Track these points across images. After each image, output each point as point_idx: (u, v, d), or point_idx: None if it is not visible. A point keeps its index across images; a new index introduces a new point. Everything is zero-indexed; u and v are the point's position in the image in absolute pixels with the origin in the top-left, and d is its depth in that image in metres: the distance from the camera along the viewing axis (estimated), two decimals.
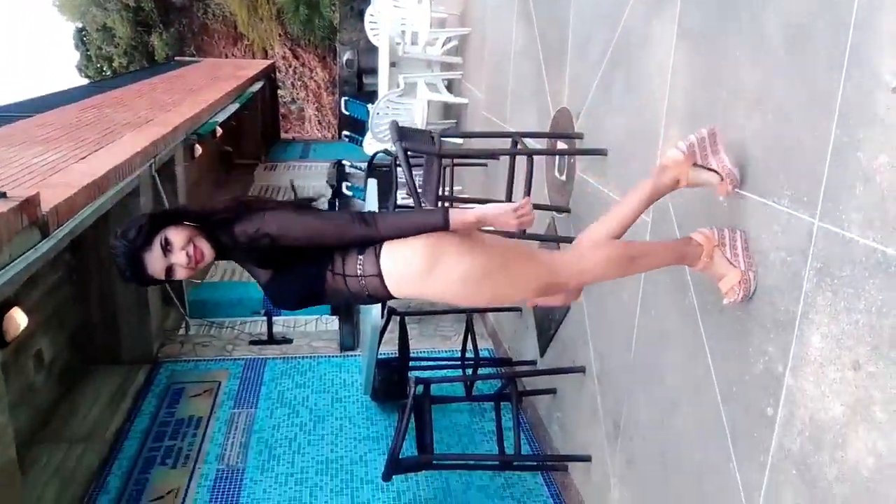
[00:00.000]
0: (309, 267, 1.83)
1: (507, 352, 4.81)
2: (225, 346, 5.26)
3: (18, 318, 3.76)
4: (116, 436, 4.17)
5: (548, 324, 3.84)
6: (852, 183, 1.64)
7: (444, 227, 1.79)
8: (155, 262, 1.77)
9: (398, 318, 4.33)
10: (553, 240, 3.67)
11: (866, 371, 1.60)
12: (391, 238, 1.82)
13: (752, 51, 2.04)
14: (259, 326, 5.59)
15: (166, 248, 1.77)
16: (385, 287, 1.84)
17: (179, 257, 1.77)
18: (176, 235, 1.78)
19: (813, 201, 1.77)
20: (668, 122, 2.54)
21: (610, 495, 3.06)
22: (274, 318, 5.50)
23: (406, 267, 1.82)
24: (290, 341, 5.30)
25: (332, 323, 5.60)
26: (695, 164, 2.06)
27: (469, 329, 4.34)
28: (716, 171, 2.06)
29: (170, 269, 1.79)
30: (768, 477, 1.96)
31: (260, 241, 1.76)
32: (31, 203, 2.96)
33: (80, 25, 20.17)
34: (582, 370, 3.36)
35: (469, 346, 4.31)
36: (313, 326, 5.59)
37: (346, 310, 5.48)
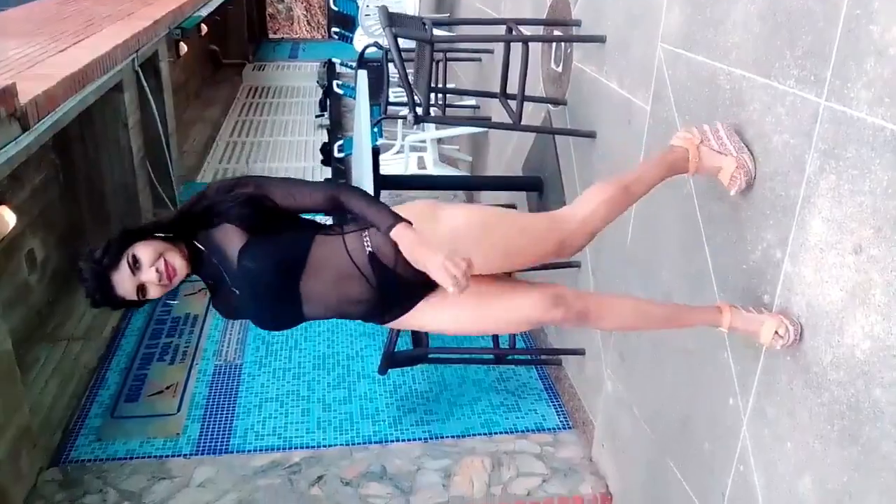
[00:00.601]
0: (294, 232, 1.79)
1: None
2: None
3: (7, 216, 3.71)
4: (113, 334, 4.20)
5: None
6: (863, 58, 1.56)
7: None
8: (124, 282, 1.68)
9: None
10: (548, 132, 3.59)
11: (868, 254, 1.57)
12: (352, 206, 1.73)
13: None
14: None
15: (135, 266, 1.67)
16: (395, 246, 1.71)
17: (149, 275, 1.68)
18: (144, 251, 1.68)
19: (820, 80, 1.70)
20: (668, 4, 2.42)
21: (603, 388, 3.10)
22: None
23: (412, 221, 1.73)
24: None
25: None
26: (707, 148, 1.97)
27: None
28: (731, 155, 1.95)
29: (142, 289, 1.70)
30: (762, 364, 1.97)
31: (240, 199, 1.71)
32: (7, 93, 2.86)
33: None
34: (578, 265, 3.35)
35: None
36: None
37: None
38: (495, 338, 3.49)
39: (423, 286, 1.81)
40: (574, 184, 3.38)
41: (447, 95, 4.64)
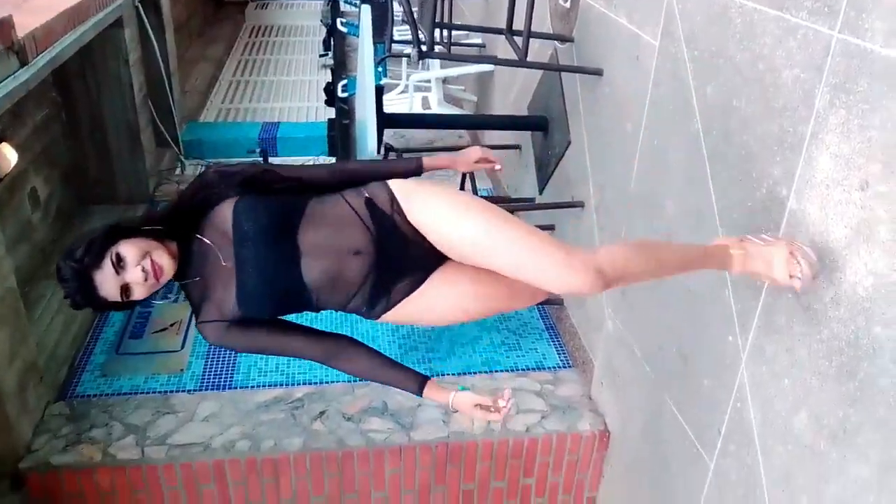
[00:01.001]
0: (290, 194, 1.74)
1: (505, 191, 4.76)
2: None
3: (8, 154, 3.69)
4: None
5: (548, 159, 3.76)
6: None
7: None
8: (107, 281, 1.56)
9: (396, 155, 4.24)
10: (554, 69, 3.52)
11: (874, 190, 1.54)
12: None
13: None
14: None
15: (118, 265, 1.56)
16: (390, 191, 1.74)
17: (134, 274, 1.57)
18: (129, 249, 1.57)
19: (834, 12, 1.65)
20: None
21: (604, 326, 3.11)
22: (270, 159, 5.42)
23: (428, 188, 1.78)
24: None
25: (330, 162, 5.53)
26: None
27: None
28: (780, 241, 1.75)
29: (126, 289, 1.59)
30: (763, 302, 1.96)
31: (244, 177, 1.71)
32: (4, 26, 2.81)
33: None
34: (581, 205, 3.33)
35: (468, 186, 4.25)
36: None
37: (343, 147, 5.38)
38: None
39: (423, 251, 1.76)
40: (580, 124, 3.34)
41: (452, 33, 4.55)
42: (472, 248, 1.71)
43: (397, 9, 5.32)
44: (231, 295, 1.69)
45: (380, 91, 3.70)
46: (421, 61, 3.28)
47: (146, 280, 1.58)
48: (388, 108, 5.09)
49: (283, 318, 1.83)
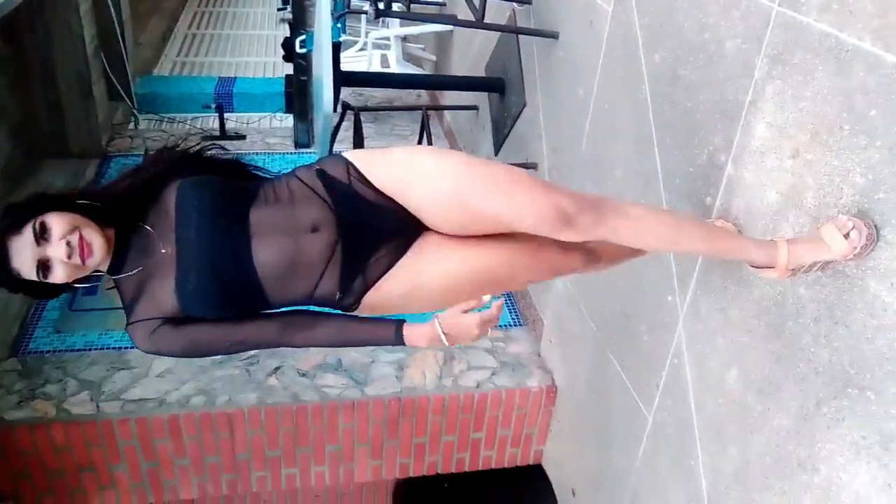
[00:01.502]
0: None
1: (461, 150, 4.80)
2: (176, 141, 5.13)
3: None
4: None
5: (503, 121, 3.80)
6: None
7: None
8: (23, 251, 1.34)
9: (353, 113, 4.23)
10: (510, 30, 3.54)
11: (804, 158, 1.62)
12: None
13: None
14: (211, 122, 5.45)
15: (41, 235, 1.34)
16: (345, 161, 1.52)
17: (58, 249, 1.35)
18: (57, 220, 1.36)
19: None
20: None
21: (554, 285, 3.19)
22: (226, 115, 5.35)
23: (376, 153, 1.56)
24: (243, 137, 5.20)
25: (287, 120, 5.49)
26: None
27: (425, 127, 4.28)
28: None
29: (44, 266, 1.36)
30: (700, 264, 2.05)
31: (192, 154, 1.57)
32: None
33: None
34: (535, 166, 3.38)
35: (425, 143, 4.28)
36: (267, 123, 5.48)
37: (300, 106, 5.34)
38: None
39: (397, 217, 1.51)
40: (535, 87, 3.37)
41: None
42: (449, 191, 1.47)
43: None
44: (169, 285, 1.45)
45: (337, 48, 3.68)
46: (380, 19, 3.26)
47: (69, 257, 1.36)
48: (347, 65, 5.06)
49: None
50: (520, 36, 3.56)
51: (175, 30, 7.95)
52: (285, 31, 7.80)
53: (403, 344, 1.48)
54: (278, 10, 8.68)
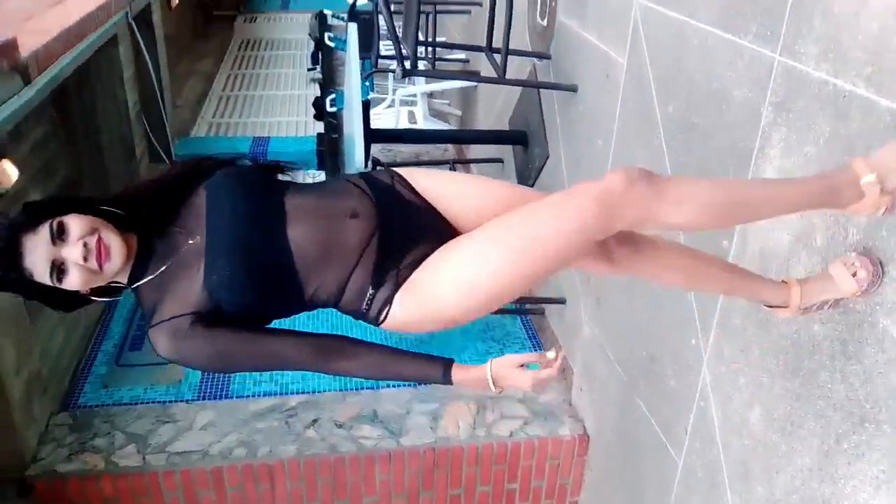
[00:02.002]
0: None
1: None
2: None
3: (10, 170, 3.80)
4: None
5: (528, 172, 3.90)
6: (811, 16, 1.66)
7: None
8: (37, 249, 1.27)
9: (382, 168, 4.38)
10: (530, 85, 3.66)
11: None
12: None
13: None
14: None
15: (58, 235, 1.28)
16: (389, 170, 1.54)
17: (74, 251, 1.28)
18: (76, 221, 1.29)
19: (775, 36, 1.80)
20: None
21: (582, 332, 3.25)
22: None
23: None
24: None
25: (320, 177, 5.66)
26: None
27: None
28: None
29: (59, 268, 1.29)
30: (721, 306, 2.10)
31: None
32: (10, 47, 2.94)
33: None
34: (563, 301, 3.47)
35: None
36: (300, 181, 5.65)
37: (332, 163, 5.53)
38: None
39: (435, 219, 1.49)
40: (557, 139, 3.48)
41: (436, 49, 4.70)
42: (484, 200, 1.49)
43: (383, 24, 5.48)
44: (196, 276, 1.35)
45: (367, 106, 3.84)
46: (407, 78, 3.41)
47: (86, 260, 1.29)
48: (376, 122, 5.23)
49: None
50: (541, 90, 3.68)
51: (210, 92, 8.28)
52: (315, 90, 8.11)
53: (451, 384, 1.41)
54: (308, 70, 9.02)
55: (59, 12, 4.00)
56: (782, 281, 1.63)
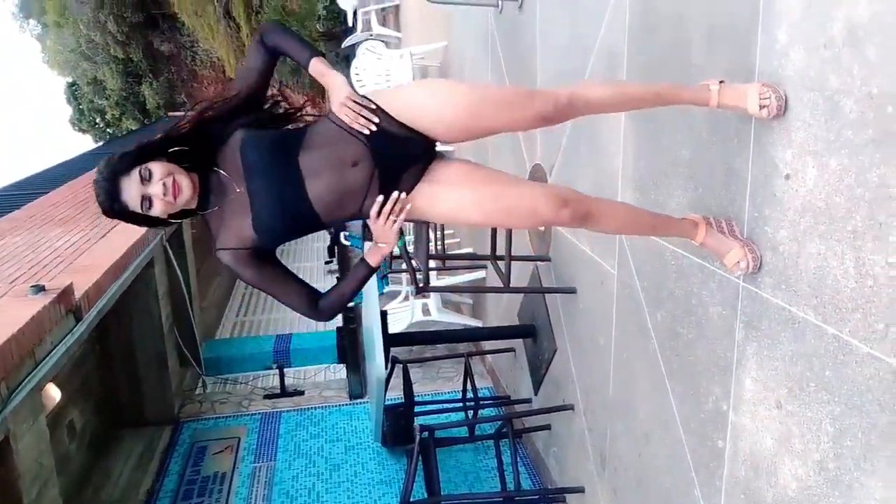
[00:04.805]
0: (290, 130, 1.98)
1: (504, 389, 5.12)
2: (241, 401, 5.58)
3: (53, 392, 4.09)
4: (147, 496, 4.49)
5: (538, 364, 4.16)
6: (763, 250, 1.98)
7: (305, 64, 1.89)
8: (131, 188, 1.77)
9: (401, 365, 4.64)
10: (533, 291, 3.99)
11: (786, 409, 1.93)
12: (276, 43, 1.92)
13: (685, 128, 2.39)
14: (271, 380, 5.91)
15: (147, 178, 1.78)
16: (372, 102, 1.89)
17: (156, 188, 1.77)
18: (158, 167, 1.79)
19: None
20: (623, 184, 2.89)
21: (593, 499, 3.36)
22: (285, 370, 5.83)
23: (391, 88, 1.98)
24: (301, 393, 5.62)
25: (340, 372, 5.92)
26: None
27: (468, 371, 4.67)
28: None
29: (147, 200, 1.79)
30: (724, 500, 2.28)
31: (227, 110, 1.90)
32: (66, 293, 3.31)
33: (70, 80, 20.51)
34: (571, 407, 3.68)
35: (469, 386, 4.63)
36: (322, 377, 5.92)
37: (352, 357, 5.80)
38: (502, 480, 3.77)
39: (419, 146, 1.92)
40: (563, 333, 3.77)
41: (447, 241, 5.09)
42: (457, 114, 1.90)
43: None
44: (248, 223, 1.86)
45: (384, 315, 4.16)
46: (420, 293, 3.75)
47: (164, 195, 1.77)
48: (392, 316, 5.57)
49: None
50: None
51: (234, 290, 8.74)
52: (332, 282, 8.57)
53: (371, 265, 1.98)
54: (325, 262, 9.56)
55: (106, 245, 4.46)
56: (693, 222, 2.08)
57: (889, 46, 1.53)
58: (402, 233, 2.00)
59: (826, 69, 1.71)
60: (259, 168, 1.85)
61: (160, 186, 1.78)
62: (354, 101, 1.86)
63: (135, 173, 1.77)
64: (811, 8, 1.76)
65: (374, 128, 1.86)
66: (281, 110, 2.02)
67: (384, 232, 1.90)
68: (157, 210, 1.81)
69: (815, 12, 1.74)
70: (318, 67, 1.89)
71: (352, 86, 2.01)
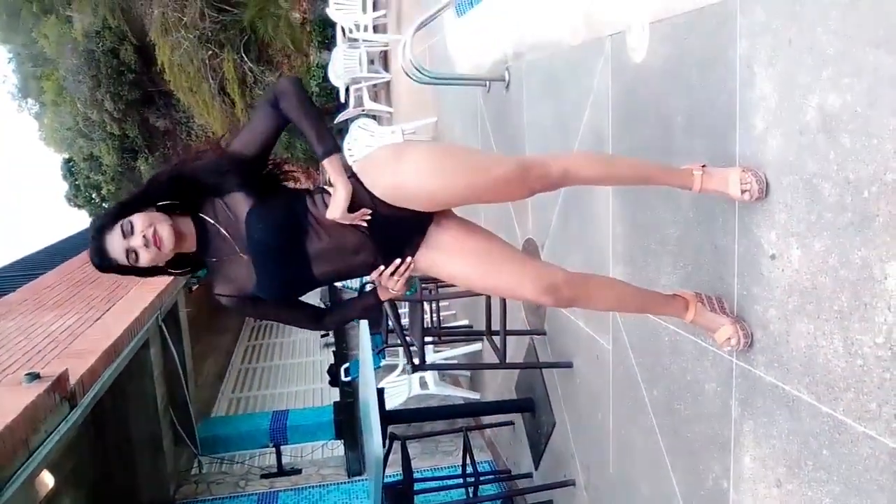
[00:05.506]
0: (292, 199, 1.95)
1: (505, 463, 5.06)
2: (237, 481, 5.49)
3: (46, 479, 4.03)
4: None
5: (538, 438, 4.13)
6: (754, 328, 2.01)
7: (321, 157, 1.88)
8: (114, 243, 1.83)
9: (400, 442, 4.59)
10: (530, 366, 3.99)
11: (786, 488, 1.93)
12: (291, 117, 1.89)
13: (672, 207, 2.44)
14: (268, 459, 5.83)
15: (128, 231, 1.82)
16: (362, 184, 1.91)
17: (136, 240, 1.81)
18: (139, 220, 1.83)
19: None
20: (614, 260, 2.93)
21: None
22: (282, 448, 5.75)
23: (375, 160, 1.97)
24: (299, 471, 5.54)
25: (338, 449, 5.85)
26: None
27: (467, 446, 4.61)
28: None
29: (133, 253, 1.82)
30: None
31: (225, 168, 1.89)
32: (61, 380, 3.30)
33: (67, 156, 20.71)
34: (573, 483, 3.64)
35: (469, 461, 4.57)
36: (320, 454, 5.84)
37: (350, 433, 5.74)
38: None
39: (412, 220, 1.96)
40: (561, 407, 3.75)
41: (442, 314, 5.10)
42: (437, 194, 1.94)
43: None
44: (250, 283, 1.93)
45: (381, 393, 4.14)
46: (416, 371, 3.75)
47: (147, 246, 1.81)
48: (390, 390, 5.54)
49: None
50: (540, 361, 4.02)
51: (229, 367, 8.69)
52: (329, 357, 8.54)
53: (381, 299, 2.07)
54: (322, 336, 9.54)
55: (101, 328, 4.46)
56: (684, 300, 2.11)
57: (861, 133, 1.60)
58: (410, 281, 2.04)
59: (804, 154, 1.78)
60: (265, 248, 1.89)
61: (140, 238, 1.82)
62: (350, 215, 1.89)
63: (117, 228, 1.83)
64: (785, 96, 1.83)
65: (368, 218, 1.90)
66: (279, 174, 2.04)
67: (392, 285, 1.98)
68: (144, 261, 1.84)
69: (790, 100, 1.82)
70: (334, 165, 1.87)
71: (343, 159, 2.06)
